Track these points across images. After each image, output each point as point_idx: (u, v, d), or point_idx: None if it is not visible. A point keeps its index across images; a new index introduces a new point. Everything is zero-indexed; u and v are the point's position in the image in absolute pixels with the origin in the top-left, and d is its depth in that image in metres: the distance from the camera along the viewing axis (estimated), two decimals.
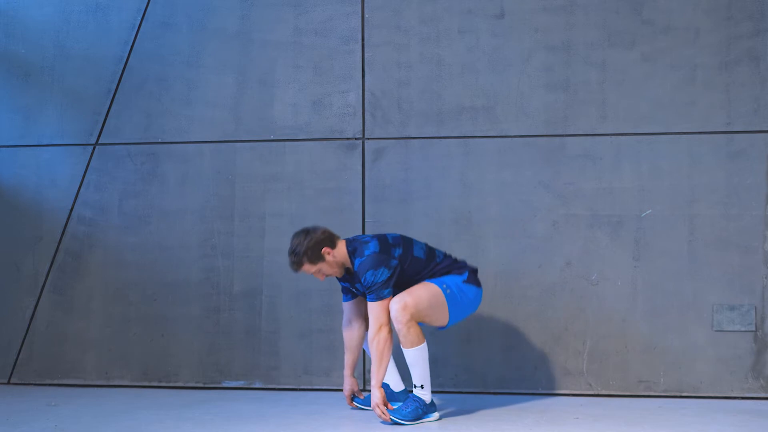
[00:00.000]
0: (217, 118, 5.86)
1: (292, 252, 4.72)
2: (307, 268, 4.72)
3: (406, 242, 4.77)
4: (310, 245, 4.68)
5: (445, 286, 4.70)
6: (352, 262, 4.72)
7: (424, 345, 4.62)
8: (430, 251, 4.82)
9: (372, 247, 4.68)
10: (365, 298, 4.86)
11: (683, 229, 5.40)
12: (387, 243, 4.72)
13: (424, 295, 4.63)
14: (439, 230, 5.59)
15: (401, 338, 4.60)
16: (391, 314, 4.59)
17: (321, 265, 4.71)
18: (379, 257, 4.64)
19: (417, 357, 4.60)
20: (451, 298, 4.70)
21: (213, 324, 5.77)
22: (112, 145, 5.94)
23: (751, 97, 5.39)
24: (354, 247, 4.72)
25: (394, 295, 4.66)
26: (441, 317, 4.70)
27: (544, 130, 5.56)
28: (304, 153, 5.77)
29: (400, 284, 4.72)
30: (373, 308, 4.63)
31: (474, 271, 4.84)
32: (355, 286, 4.85)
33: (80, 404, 5.16)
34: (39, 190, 5.99)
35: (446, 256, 4.85)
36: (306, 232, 4.73)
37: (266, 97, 5.83)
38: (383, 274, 4.61)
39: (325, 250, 4.69)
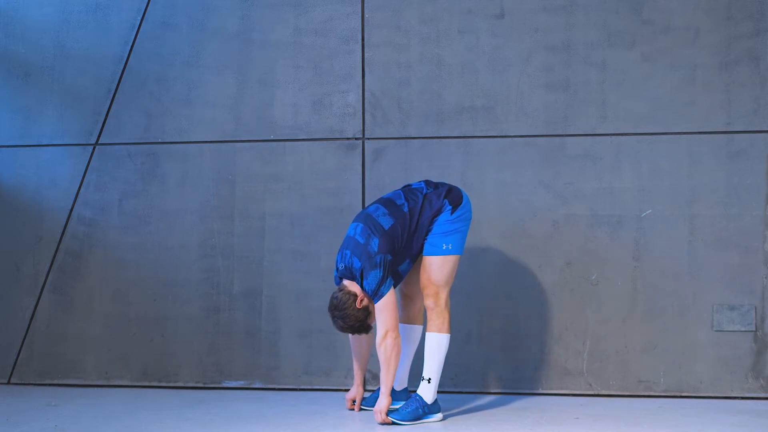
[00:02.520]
0: (217, 118, 5.86)
1: (357, 331, 4.75)
2: (372, 320, 4.73)
3: (381, 218, 4.72)
4: (355, 318, 4.69)
5: (444, 246, 4.71)
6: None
7: (448, 337, 4.70)
8: (410, 196, 4.78)
9: (356, 263, 4.67)
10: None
11: (683, 229, 5.40)
12: (361, 245, 4.67)
13: (441, 276, 4.69)
14: None
15: (429, 322, 4.69)
16: (425, 302, 4.70)
17: (369, 311, 4.70)
18: (365, 265, 4.63)
19: (438, 344, 4.67)
20: (455, 247, 4.72)
21: (213, 324, 5.77)
22: (112, 145, 5.94)
23: (751, 97, 5.39)
24: (352, 275, 4.70)
25: (410, 267, 4.78)
26: (457, 263, 4.75)
27: (544, 130, 5.56)
28: (304, 153, 5.77)
29: (404, 249, 4.72)
30: (379, 312, 4.63)
31: (450, 190, 4.79)
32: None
33: (80, 404, 5.16)
34: (39, 190, 5.99)
35: (425, 195, 4.78)
36: (339, 318, 4.70)
37: (266, 97, 5.83)
38: (375, 276, 4.62)
39: (357, 305, 4.68)
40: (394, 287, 4.67)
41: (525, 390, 5.48)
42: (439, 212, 4.74)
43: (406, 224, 4.70)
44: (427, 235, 4.74)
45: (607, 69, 5.52)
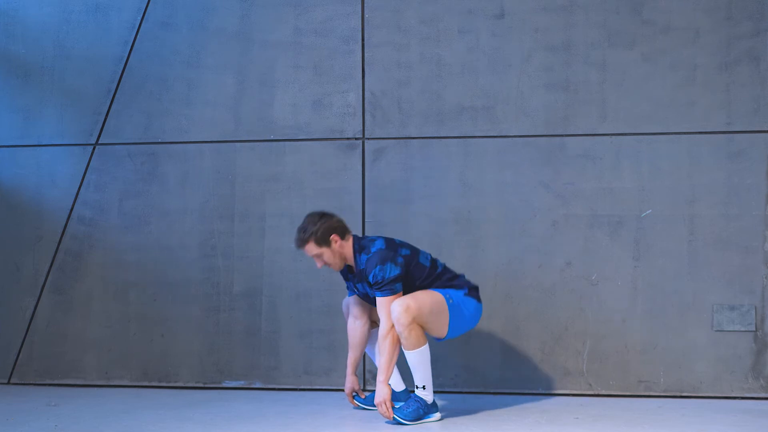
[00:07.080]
0: (217, 118, 5.86)
1: (302, 229, 4.72)
2: (310, 248, 4.71)
3: (413, 248, 4.78)
4: (321, 228, 4.68)
5: (448, 296, 4.68)
6: (357, 261, 4.72)
7: (426, 347, 4.60)
8: (434, 261, 4.81)
9: (378, 244, 4.69)
10: (364, 299, 4.86)
11: (683, 229, 5.40)
12: (394, 243, 4.73)
13: (427, 300, 4.60)
14: (439, 230, 5.59)
15: (402, 341, 4.56)
16: (392, 316, 4.55)
17: (324, 250, 4.70)
18: (386, 253, 4.64)
19: (418, 359, 4.58)
20: (453, 309, 4.68)
21: (213, 324, 5.77)
22: (112, 145, 5.94)
23: (751, 97, 5.39)
24: (361, 245, 4.73)
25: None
26: (441, 327, 4.67)
27: (544, 130, 5.56)
28: (304, 153, 5.77)
29: (403, 290, 4.70)
30: (385, 305, 4.59)
31: (474, 288, 4.81)
32: (356, 286, 4.84)
33: (80, 404, 5.16)
34: (39, 190, 5.99)
35: (446, 268, 4.82)
36: (321, 215, 4.75)
37: (266, 97, 5.83)
38: (392, 270, 4.60)
39: (334, 237, 4.69)
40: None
41: (525, 390, 5.48)
42: (454, 285, 4.73)
43: (420, 273, 4.72)
44: (434, 286, 4.73)
45: (607, 69, 5.52)
